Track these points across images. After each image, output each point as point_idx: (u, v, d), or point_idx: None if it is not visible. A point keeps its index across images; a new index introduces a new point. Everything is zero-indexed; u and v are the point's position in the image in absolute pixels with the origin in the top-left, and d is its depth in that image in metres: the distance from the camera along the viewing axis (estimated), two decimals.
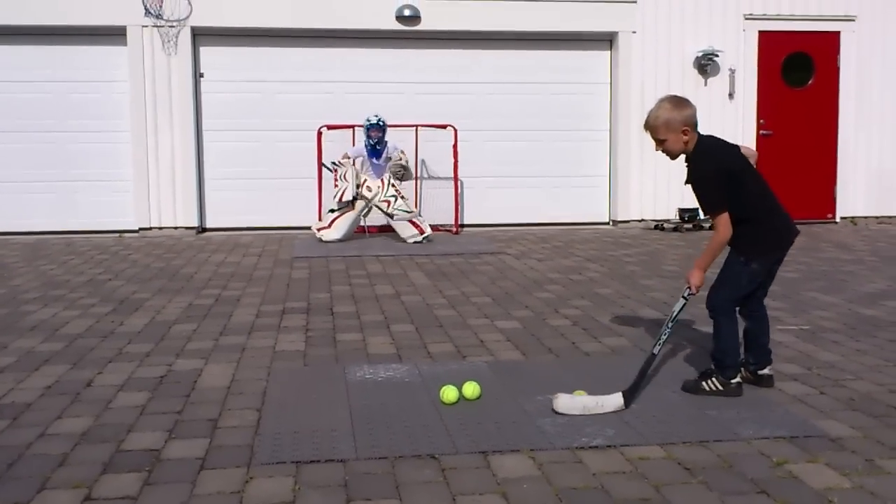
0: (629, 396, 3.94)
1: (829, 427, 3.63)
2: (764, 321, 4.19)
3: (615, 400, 3.90)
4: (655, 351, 4.07)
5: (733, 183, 3.86)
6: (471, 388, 3.97)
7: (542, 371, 4.47)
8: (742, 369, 4.15)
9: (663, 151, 3.99)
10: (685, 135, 3.89)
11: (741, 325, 4.14)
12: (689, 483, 3.08)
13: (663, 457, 3.32)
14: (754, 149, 4.20)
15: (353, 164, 9.59)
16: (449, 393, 3.92)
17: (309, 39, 10.82)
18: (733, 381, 4.02)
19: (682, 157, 4.00)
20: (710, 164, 3.90)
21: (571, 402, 3.84)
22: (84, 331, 5.45)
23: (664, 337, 4.08)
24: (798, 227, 4.11)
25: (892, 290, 6.77)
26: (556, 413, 3.81)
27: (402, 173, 9.61)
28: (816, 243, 9.54)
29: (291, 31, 10.65)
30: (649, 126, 3.97)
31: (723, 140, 4.07)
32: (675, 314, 4.05)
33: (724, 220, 3.87)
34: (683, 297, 4.03)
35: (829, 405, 3.93)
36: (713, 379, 4.03)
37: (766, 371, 4.17)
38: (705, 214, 3.97)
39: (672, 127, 3.88)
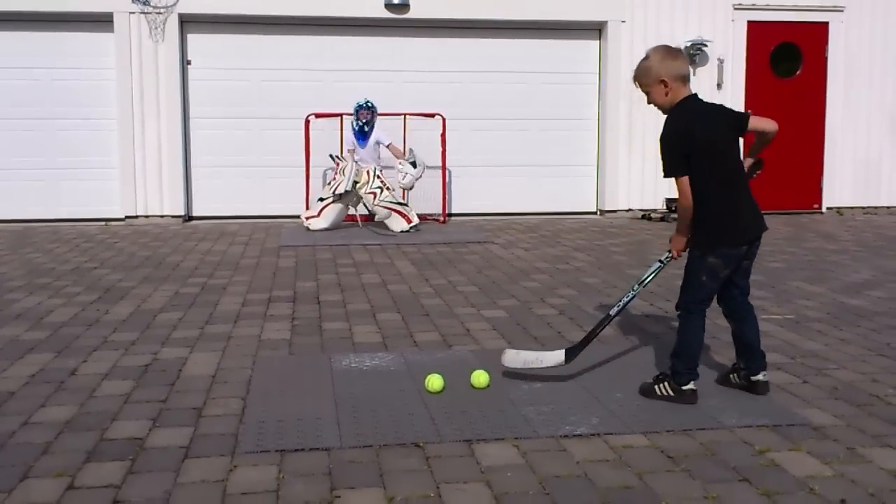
0: (572, 353, 3.98)
1: (812, 415, 3.65)
2: (746, 322, 3.89)
3: (556, 356, 3.99)
4: (612, 312, 4.03)
5: (691, 151, 3.63)
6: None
7: None
8: (734, 375, 3.96)
9: (652, 104, 3.82)
10: (665, 86, 3.71)
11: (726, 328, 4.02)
12: (673, 471, 3.10)
13: (647, 445, 3.33)
14: (772, 122, 3.90)
15: (352, 156, 9.62)
16: (434, 381, 3.92)
17: (297, 27, 10.77)
18: (685, 387, 3.78)
19: None
20: (671, 124, 3.71)
21: (515, 357, 4.07)
22: (69, 319, 5.43)
23: (626, 299, 3.99)
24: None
25: (876, 280, 6.81)
26: (504, 367, 4.08)
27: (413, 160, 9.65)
28: (802, 233, 9.57)
29: (280, 18, 10.59)
30: (634, 75, 3.86)
31: (707, 104, 3.83)
32: (645, 277, 3.96)
33: (682, 184, 3.67)
34: (660, 260, 3.92)
35: (811, 394, 3.95)
36: (665, 384, 3.82)
37: (759, 377, 3.88)
38: (665, 177, 3.74)
39: (651, 76, 3.73)
